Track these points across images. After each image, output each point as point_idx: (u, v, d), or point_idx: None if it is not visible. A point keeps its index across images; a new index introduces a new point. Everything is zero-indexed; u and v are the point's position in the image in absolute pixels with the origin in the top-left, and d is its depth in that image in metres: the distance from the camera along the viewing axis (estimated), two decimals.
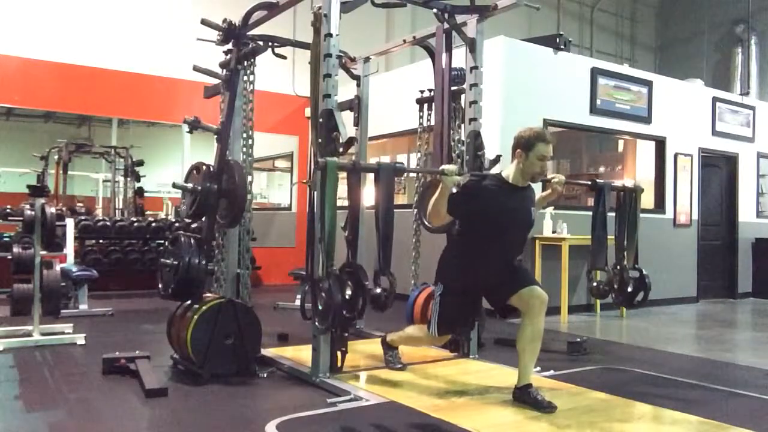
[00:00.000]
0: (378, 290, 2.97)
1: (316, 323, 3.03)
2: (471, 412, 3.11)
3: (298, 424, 2.91)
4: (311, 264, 3.74)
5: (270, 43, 4.44)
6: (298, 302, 6.04)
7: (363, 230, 3.21)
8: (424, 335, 3.50)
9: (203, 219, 4.07)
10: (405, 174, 3.25)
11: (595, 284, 3.89)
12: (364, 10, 4.01)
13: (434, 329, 3.36)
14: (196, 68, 4.38)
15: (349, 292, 2.94)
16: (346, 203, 3.16)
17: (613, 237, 3.88)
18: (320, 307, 2.95)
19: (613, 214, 3.88)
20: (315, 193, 3.63)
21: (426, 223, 4.87)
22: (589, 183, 3.90)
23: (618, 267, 3.84)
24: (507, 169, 3.36)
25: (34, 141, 8.58)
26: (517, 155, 3.27)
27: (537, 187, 3.54)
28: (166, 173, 9.33)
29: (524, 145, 3.24)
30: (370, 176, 3.15)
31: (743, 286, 8.98)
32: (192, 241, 3.88)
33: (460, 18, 4.24)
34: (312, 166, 3.88)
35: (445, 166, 3.18)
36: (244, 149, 4.24)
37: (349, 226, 3.13)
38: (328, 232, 2.99)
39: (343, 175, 3.08)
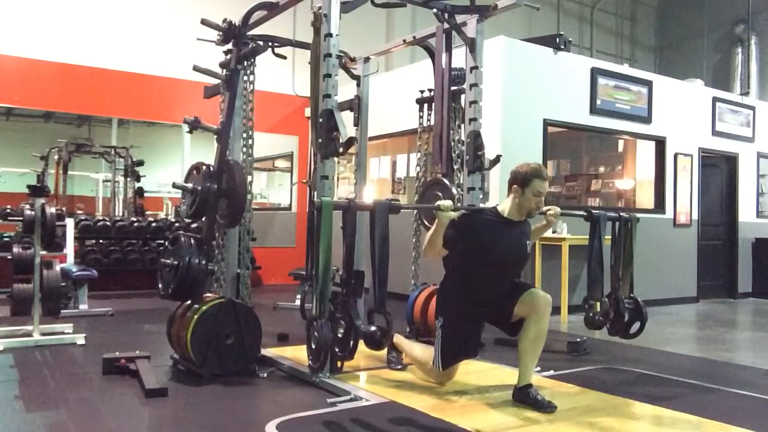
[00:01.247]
0: (372, 328, 3.00)
1: (310, 362, 3.08)
2: (471, 412, 3.11)
3: (298, 424, 2.90)
4: (311, 264, 3.74)
5: (270, 43, 4.44)
6: (298, 302, 6.04)
7: (362, 228, 3.22)
8: (430, 368, 3.47)
9: (203, 219, 4.07)
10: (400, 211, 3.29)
11: (591, 315, 3.89)
12: (364, 10, 4.01)
13: (438, 363, 3.35)
14: (196, 68, 4.38)
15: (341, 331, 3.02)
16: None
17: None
18: (313, 346, 2.98)
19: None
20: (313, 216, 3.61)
21: (426, 223, 4.88)
22: (585, 214, 3.91)
23: (613, 297, 3.85)
24: (503, 204, 3.38)
25: (34, 141, 8.58)
26: (514, 190, 3.29)
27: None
28: (166, 173, 9.33)
29: (521, 181, 3.25)
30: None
31: (743, 286, 8.98)
32: (192, 241, 3.88)
33: (460, 18, 4.24)
34: (312, 166, 3.88)
35: (441, 202, 3.20)
36: (244, 149, 4.24)
37: (344, 266, 3.14)
38: (323, 273, 3.00)
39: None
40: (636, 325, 3.88)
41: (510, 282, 3.38)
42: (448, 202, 3.23)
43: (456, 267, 3.39)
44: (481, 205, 4.11)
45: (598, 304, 3.88)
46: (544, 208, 3.45)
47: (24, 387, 3.49)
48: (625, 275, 3.88)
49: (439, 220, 3.16)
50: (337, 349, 3.04)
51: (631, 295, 3.88)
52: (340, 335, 3.08)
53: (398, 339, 3.90)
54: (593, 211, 3.88)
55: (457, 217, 3.24)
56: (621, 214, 3.99)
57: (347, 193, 3.17)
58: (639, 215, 4.31)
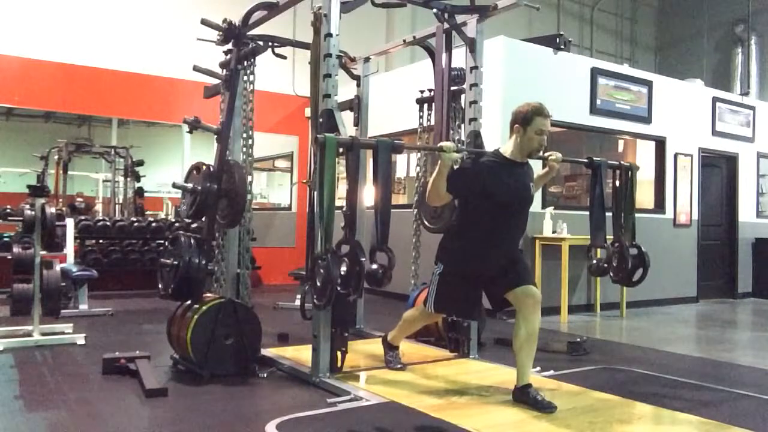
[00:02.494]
0: (374, 266, 2.96)
1: (315, 300, 3.01)
2: (471, 412, 3.11)
3: (298, 424, 2.90)
4: (311, 264, 3.73)
5: (270, 43, 4.44)
6: (298, 302, 6.04)
7: (362, 225, 3.22)
8: (420, 314, 3.48)
9: (203, 219, 4.07)
10: (403, 151, 3.28)
11: (594, 262, 3.89)
12: (364, 10, 4.01)
13: (431, 305, 3.35)
14: (196, 68, 4.38)
15: (345, 268, 2.93)
16: (344, 204, 3.18)
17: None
18: (318, 284, 2.94)
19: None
20: (314, 181, 3.60)
21: (426, 223, 4.87)
22: (586, 161, 3.90)
23: (617, 244, 3.84)
24: (505, 145, 3.36)
25: (34, 141, 8.58)
26: (515, 130, 3.27)
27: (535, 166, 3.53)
28: (166, 173, 9.33)
29: (522, 119, 3.23)
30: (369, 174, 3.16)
31: (743, 286, 8.98)
32: (192, 241, 3.88)
33: (460, 18, 4.24)
34: (312, 166, 3.88)
35: (444, 143, 3.18)
36: (244, 149, 4.24)
37: (347, 204, 3.11)
38: (327, 209, 2.98)
39: (341, 170, 3.07)
40: (639, 272, 3.86)
41: (513, 235, 3.36)
42: (450, 144, 3.20)
43: (461, 214, 3.37)
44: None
45: (598, 251, 3.87)
46: (546, 154, 3.44)
47: (24, 387, 3.49)
48: (627, 223, 3.87)
49: (442, 162, 3.12)
50: (341, 287, 2.96)
51: (634, 242, 3.87)
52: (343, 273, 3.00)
53: (390, 333, 3.91)
54: (594, 159, 3.88)
55: (459, 162, 3.22)
56: (621, 162, 3.99)
57: (347, 192, 3.18)
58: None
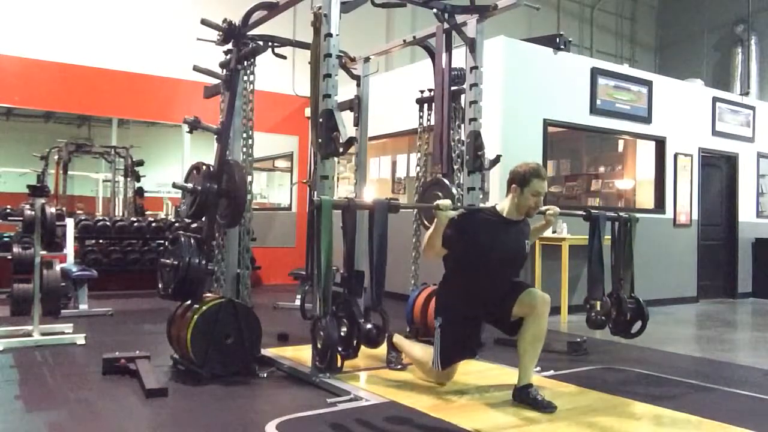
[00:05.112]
0: (369, 326, 3.00)
1: (317, 363, 3.10)
2: (471, 412, 3.11)
3: (298, 424, 2.91)
4: (311, 264, 3.74)
5: (270, 43, 4.44)
6: (298, 302, 6.04)
7: (362, 227, 3.22)
8: (429, 368, 3.47)
9: (203, 219, 4.07)
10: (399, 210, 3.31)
11: (592, 315, 3.90)
12: (364, 10, 4.01)
13: (438, 363, 3.36)
14: (196, 68, 4.38)
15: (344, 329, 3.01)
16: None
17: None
18: (319, 346, 3.01)
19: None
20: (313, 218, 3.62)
21: (426, 223, 4.88)
22: (584, 214, 3.91)
23: (615, 297, 3.85)
24: (502, 203, 3.40)
25: (34, 141, 8.57)
26: (512, 190, 3.31)
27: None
28: (166, 173, 9.33)
29: (519, 180, 3.28)
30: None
31: (743, 286, 8.98)
32: (192, 241, 3.88)
33: (460, 18, 4.24)
34: (312, 166, 3.88)
35: (440, 202, 3.21)
36: (244, 149, 4.25)
37: (344, 265, 3.14)
38: (324, 273, 3.00)
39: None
40: (637, 325, 3.88)
41: (509, 281, 3.39)
42: (447, 202, 3.24)
43: (455, 266, 3.40)
44: (481, 205, 4.11)
45: (599, 303, 3.88)
46: (543, 208, 3.46)
47: (24, 387, 3.49)
48: (625, 275, 3.89)
49: (438, 220, 3.17)
50: (340, 348, 3.04)
51: (633, 294, 3.89)
52: (342, 334, 3.08)
53: (398, 339, 3.91)
54: (592, 211, 3.88)
55: (456, 217, 3.25)
56: (620, 214, 3.99)
57: (347, 193, 3.17)
58: (639, 215, 4.31)
